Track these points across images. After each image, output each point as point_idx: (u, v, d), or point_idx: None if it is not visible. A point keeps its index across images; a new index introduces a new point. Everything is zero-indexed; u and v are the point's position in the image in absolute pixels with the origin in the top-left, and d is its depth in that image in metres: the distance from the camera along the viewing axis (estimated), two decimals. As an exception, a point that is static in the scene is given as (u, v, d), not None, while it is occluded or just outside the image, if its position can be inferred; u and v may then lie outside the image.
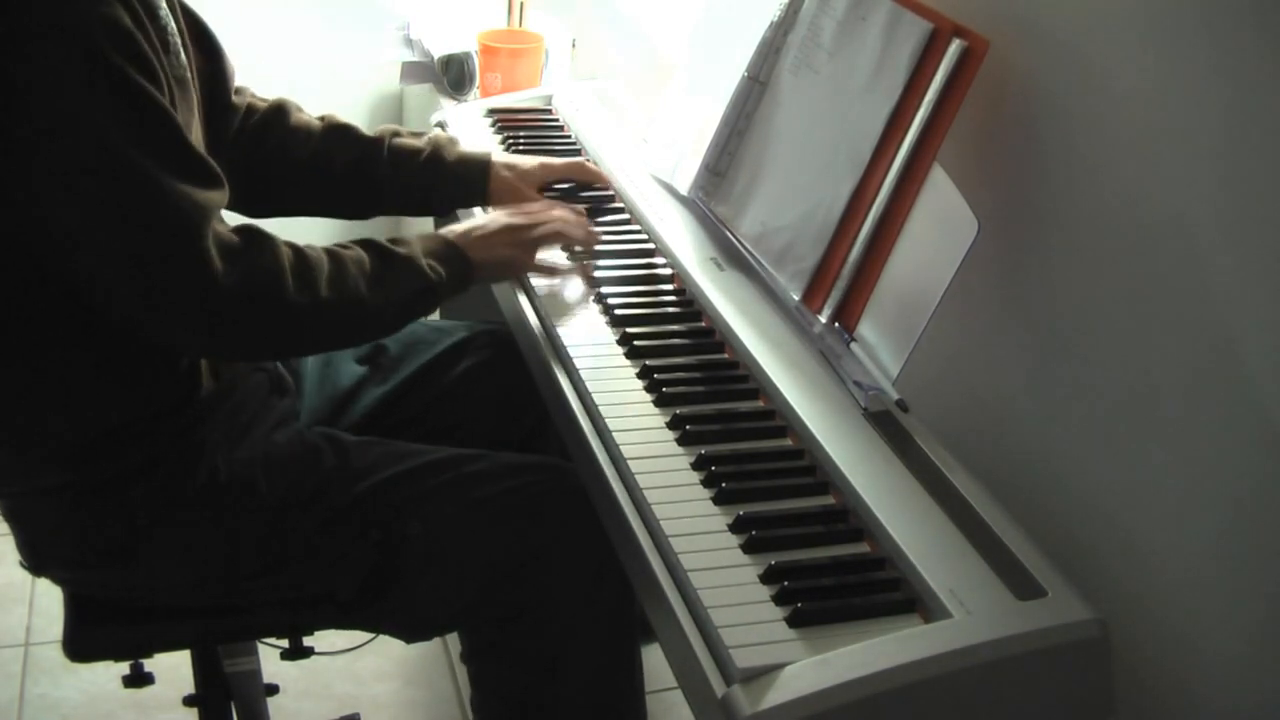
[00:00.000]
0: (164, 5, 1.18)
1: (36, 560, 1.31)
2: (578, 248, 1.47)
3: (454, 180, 1.53)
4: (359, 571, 1.30)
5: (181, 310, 1.14)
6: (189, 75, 1.23)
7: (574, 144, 1.78)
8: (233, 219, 1.22)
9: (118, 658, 1.38)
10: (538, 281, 1.43)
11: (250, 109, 1.49)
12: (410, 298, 1.28)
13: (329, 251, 1.24)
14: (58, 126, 1.07)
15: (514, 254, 1.38)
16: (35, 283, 1.16)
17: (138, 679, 1.43)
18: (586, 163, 1.64)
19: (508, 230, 1.38)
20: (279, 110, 1.51)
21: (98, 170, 1.08)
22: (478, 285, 1.37)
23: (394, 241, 1.29)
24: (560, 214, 1.43)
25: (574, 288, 1.43)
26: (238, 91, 1.48)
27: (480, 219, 1.42)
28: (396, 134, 1.53)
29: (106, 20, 1.07)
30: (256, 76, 1.54)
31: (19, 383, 1.21)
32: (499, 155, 1.57)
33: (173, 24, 1.20)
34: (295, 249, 1.21)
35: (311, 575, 1.31)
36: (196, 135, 1.24)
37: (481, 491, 1.30)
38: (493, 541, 1.28)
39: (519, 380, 1.42)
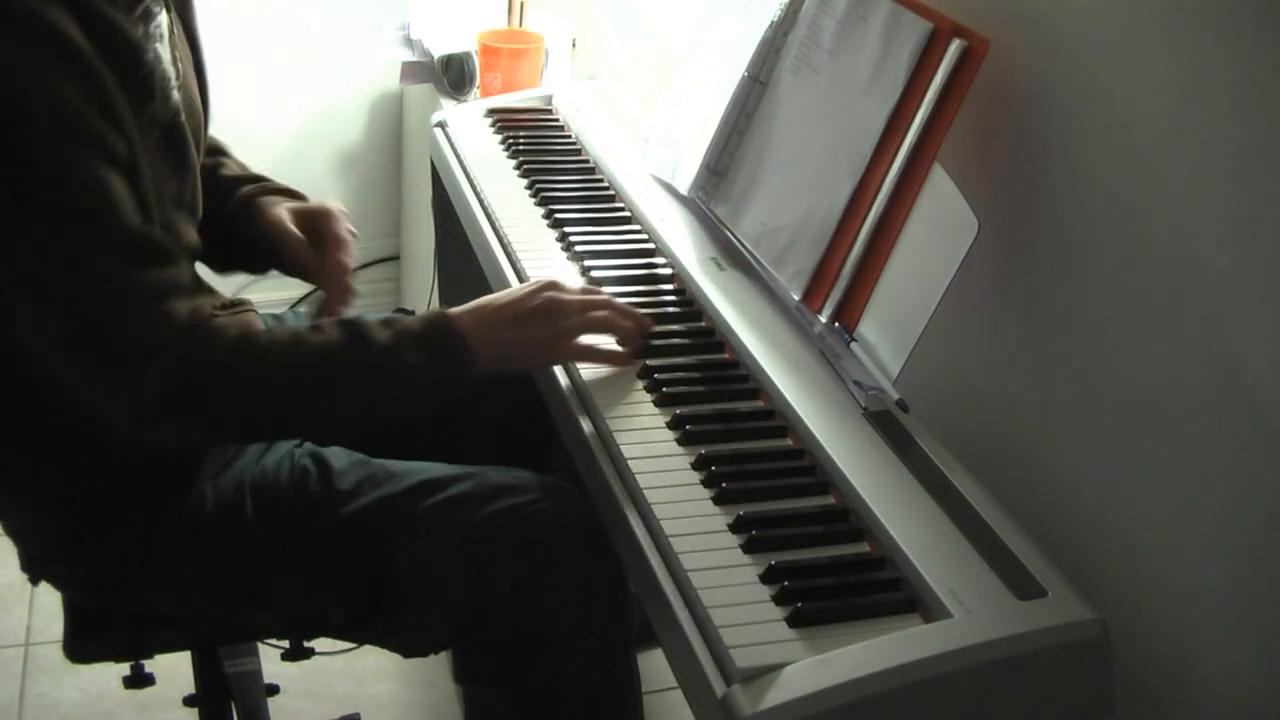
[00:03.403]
0: (153, 46, 1.12)
1: (34, 576, 1.33)
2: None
3: (243, 221, 1.38)
4: (346, 601, 1.29)
5: (121, 400, 1.10)
6: (182, 118, 1.17)
7: (574, 144, 1.78)
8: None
9: (118, 659, 1.38)
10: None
11: None
12: (379, 393, 1.18)
13: (292, 335, 1.15)
14: None
15: (543, 343, 1.22)
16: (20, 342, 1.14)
17: (138, 679, 1.43)
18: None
19: (541, 314, 1.22)
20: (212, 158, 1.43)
21: (31, 255, 1.05)
22: (499, 373, 1.23)
23: (387, 322, 1.19)
24: (606, 297, 1.28)
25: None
26: None
27: (508, 293, 1.24)
28: (253, 180, 1.42)
29: (50, 96, 1.01)
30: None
31: (10, 425, 1.20)
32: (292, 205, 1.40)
33: (165, 62, 1.14)
34: (243, 332, 1.13)
35: (301, 603, 1.31)
36: (194, 174, 1.21)
37: (468, 516, 1.26)
38: (480, 568, 1.25)
39: (519, 383, 1.41)
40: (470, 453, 1.38)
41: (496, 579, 1.25)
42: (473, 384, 1.21)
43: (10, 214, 1.04)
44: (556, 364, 1.26)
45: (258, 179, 1.43)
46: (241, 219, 1.38)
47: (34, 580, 1.33)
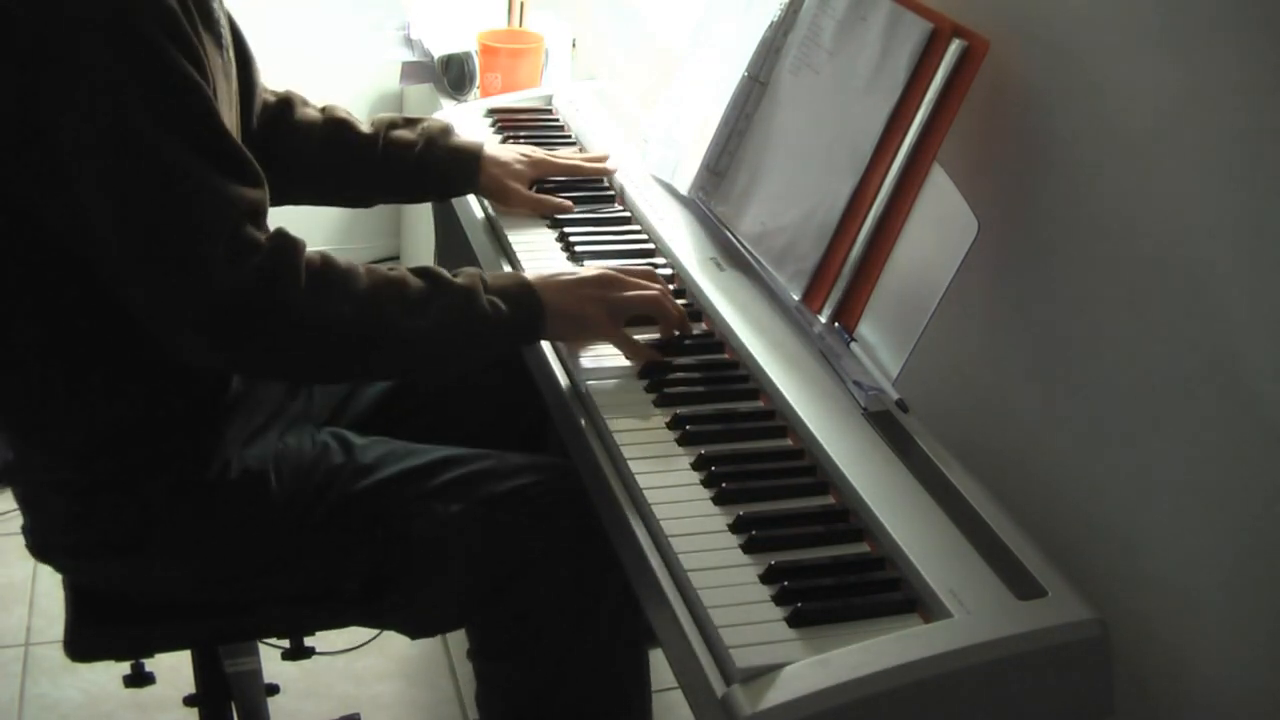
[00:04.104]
0: (218, 6, 1.19)
1: (42, 547, 1.32)
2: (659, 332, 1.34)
3: (444, 174, 1.54)
4: (363, 569, 1.31)
5: (182, 307, 1.11)
6: (234, 72, 1.23)
7: (574, 144, 1.78)
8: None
9: (118, 657, 1.38)
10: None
11: (262, 105, 1.49)
12: (456, 332, 1.20)
13: (369, 269, 1.19)
14: (93, 103, 1.06)
15: (595, 312, 1.26)
16: (61, 281, 1.15)
17: (138, 679, 1.43)
18: (584, 163, 1.64)
19: (597, 283, 1.28)
20: (285, 107, 1.50)
21: (127, 150, 1.07)
22: (552, 339, 1.30)
23: (458, 272, 1.23)
24: (661, 285, 1.33)
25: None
26: None
27: (575, 268, 1.33)
28: (393, 125, 1.54)
29: (154, 5, 1.07)
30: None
31: (39, 380, 1.21)
32: (490, 148, 1.58)
33: (224, 23, 1.20)
34: (324, 261, 1.16)
35: (315, 572, 1.31)
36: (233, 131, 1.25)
37: (487, 490, 1.29)
38: (497, 541, 1.28)
39: (518, 375, 1.42)
40: (471, 433, 1.40)
41: (511, 552, 1.26)
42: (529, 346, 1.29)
43: (104, 114, 1.06)
44: (605, 338, 1.29)
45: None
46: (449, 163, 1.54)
47: (40, 556, 1.32)
